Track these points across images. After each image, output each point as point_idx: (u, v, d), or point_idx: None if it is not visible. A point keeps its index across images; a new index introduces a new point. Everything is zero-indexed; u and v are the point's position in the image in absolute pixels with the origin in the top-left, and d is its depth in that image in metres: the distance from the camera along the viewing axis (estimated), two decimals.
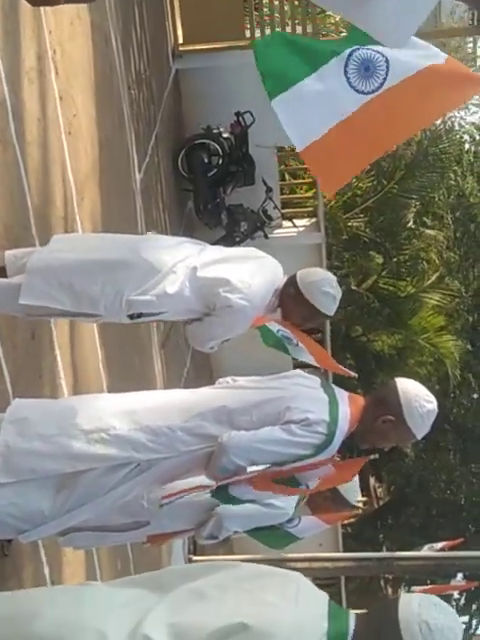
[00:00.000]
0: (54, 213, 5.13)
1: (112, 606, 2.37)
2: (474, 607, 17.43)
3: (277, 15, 10.92)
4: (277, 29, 10.73)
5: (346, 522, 15.46)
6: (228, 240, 10.45)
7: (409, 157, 14.17)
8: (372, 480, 17.72)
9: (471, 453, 16.34)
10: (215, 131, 10.63)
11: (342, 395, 3.50)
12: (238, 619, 2.26)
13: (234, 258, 3.98)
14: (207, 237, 4.43)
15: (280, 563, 7.01)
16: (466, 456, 16.36)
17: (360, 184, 13.81)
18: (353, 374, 4.06)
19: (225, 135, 10.68)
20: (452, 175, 16.09)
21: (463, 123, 21.73)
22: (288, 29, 10.77)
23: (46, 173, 5.06)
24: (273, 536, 4.01)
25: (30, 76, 4.87)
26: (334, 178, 4.98)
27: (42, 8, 5.10)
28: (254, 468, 3.31)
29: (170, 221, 9.68)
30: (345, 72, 4.64)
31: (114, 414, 3.30)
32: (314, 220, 12.29)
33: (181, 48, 10.72)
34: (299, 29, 10.76)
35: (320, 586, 2.57)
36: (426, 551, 7.77)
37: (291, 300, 3.94)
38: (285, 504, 3.90)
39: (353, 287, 13.79)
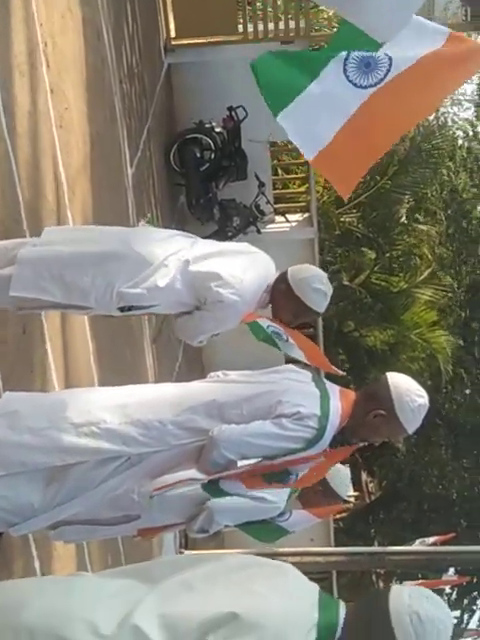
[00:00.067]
0: (45, 207, 5.11)
1: (101, 597, 2.37)
2: (465, 602, 17.48)
3: (270, 10, 10.90)
4: (270, 24, 10.71)
5: (338, 517, 15.50)
6: (220, 235, 10.44)
7: (402, 153, 14.19)
8: (364, 475, 17.75)
9: (463, 448, 16.38)
10: (207, 126, 10.62)
11: (333, 389, 3.50)
12: (228, 609, 2.26)
13: (226, 252, 3.98)
14: (199, 232, 4.42)
15: (272, 557, 7.00)
16: (458, 451, 16.40)
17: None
18: (341, 372, 4.06)
19: (217, 130, 10.67)
20: (445, 171, 16.12)
21: (456, 119, 21.76)
22: (281, 24, 10.76)
23: (37, 167, 5.04)
24: (264, 530, 4.01)
25: (21, 69, 4.85)
26: (347, 180, 4.98)
27: (33, 1, 5.09)
28: (245, 462, 3.31)
29: (162, 216, 9.66)
30: (344, 70, 4.64)
31: (105, 408, 3.29)
32: (307, 215, 12.29)
33: (173, 42, 10.70)
34: (292, 24, 10.74)
35: (311, 580, 2.56)
36: (418, 546, 7.77)
37: (282, 296, 3.94)
38: (276, 498, 3.89)
39: (345, 282, 13.81)
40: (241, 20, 10.84)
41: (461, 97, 22.95)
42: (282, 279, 3.95)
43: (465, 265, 16.43)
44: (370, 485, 18.08)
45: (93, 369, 6.01)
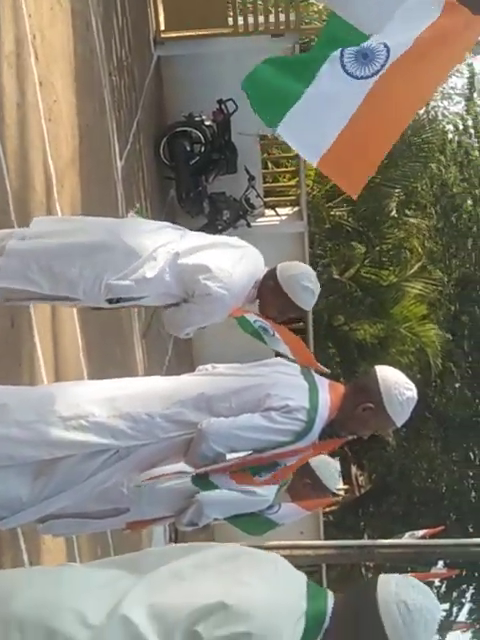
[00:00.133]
0: (34, 199, 5.09)
1: (90, 587, 2.37)
2: (455, 595, 17.55)
3: (260, 3, 10.88)
4: (260, 17, 10.70)
5: (328, 510, 15.52)
6: (210, 228, 10.44)
7: (392, 146, 14.16)
8: (354, 468, 17.78)
9: (452, 442, 16.44)
10: (197, 119, 10.60)
11: (322, 382, 3.51)
12: (217, 599, 2.27)
13: (216, 245, 3.98)
14: (189, 225, 4.41)
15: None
16: (447, 445, 16.46)
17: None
18: (326, 370, 4.06)
19: (207, 123, 10.66)
20: (434, 165, 16.14)
21: (446, 113, 21.76)
22: (271, 17, 10.74)
23: (25, 159, 5.02)
24: (253, 523, 4.01)
25: (9, 61, 4.82)
26: (356, 178, 4.95)
27: None
28: (234, 455, 3.31)
29: (152, 209, 9.64)
30: (342, 65, 4.62)
31: (93, 401, 3.29)
32: (297, 209, 12.30)
33: (163, 35, 10.68)
34: (282, 17, 10.73)
35: None
36: (407, 539, 7.81)
37: (269, 292, 3.94)
38: (265, 491, 3.88)
39: (335, 276, 13.82)
40: (231, 13, 10.82)
41: (451, 91, 22.96)
42: (271, 275, 3.96)
43: (455, 259, 16.46)
44: (360, 478, 18.11)
45: (82, 363, 6.00)
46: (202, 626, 2.23)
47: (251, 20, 10.74)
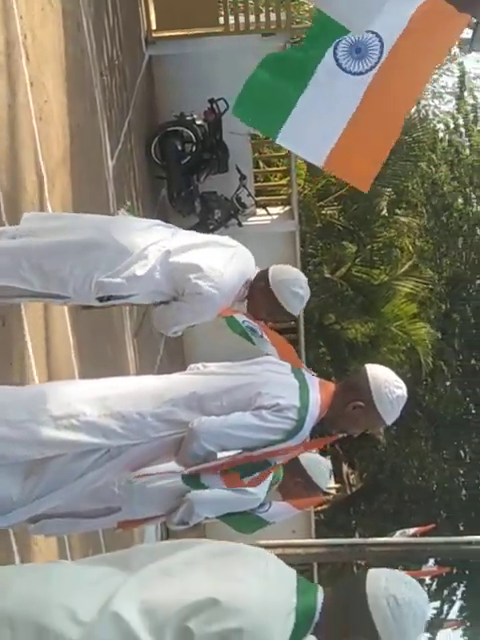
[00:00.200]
0: (25, 199, 5.10)
1: (81, 583, 2.37)
2: (445, 592, 17.58)
3: (251, 2, 10.89)
4: (251, 16, 10.70)
5: (319, 508, 15.55)
6: (202, 228, 10.44)
7: None
8: (345, 467, 17.81)
9: (443, 440, 16.46)
10: (188, 118, 10.60)
11: (313, 381, 3.52)
12: (208, 595, 2.28)
13: (207, 244, 3.99)
14: (180, 225, 4.40)
15: None
16: (438, 443, 16.48)
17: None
18: (312, 372, 4.08)
19: (199, 122, 10.65)
20: (424, 165, 16.16)
21: (437, 112, 21.81)
22: (262, 16, 10.76)
23: (16, 159, 5.02)
24: (244, 521, 4.03)
25: (0, 61, 4.83)
26: (365, 173, 4.96)
27: None
28: (225, 453, 3.32)
29: (143, 208, 9.64)
30: (338, 63, 4.63)
31: (84, 400, 3.29)
32: (288, 208, 12.31)
33: (154, 34, 10.67)
34: (273, 16, 10.74)
35: None
36: (398, 537, 7.84)
37: (259, 294, 3.96)
38: (256, 490, 3.91)
39: (327, 275, 13.84)
40: (222, 12, 10.82)
41: (442, 90, 23.01)
42: (262, 277, 3.98)
43: (446, 257, 16.49)
44: (351, 477, 18.15)
45: (73, 362, 6.00)
46: (193, 622, 2.24)
47: (242, 19, 10.74)
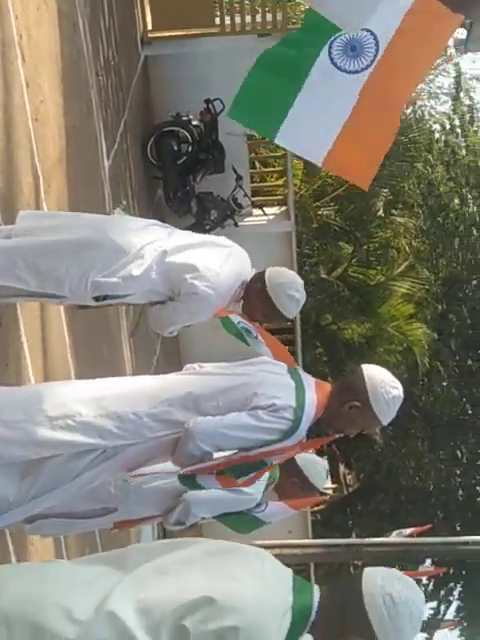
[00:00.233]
0: (21, 199, 5.09)
1: (76, 583, 2.38)
2: (442, 593, 17.59)
3: (247, 2, 10.89)
4: (247, 16, 10.70)
5: (316, 509, 15.56)
6: (198, 228, 10.43)
7: None
8: (342, 467, 17.82)
9: (439, 440, 16.48)
10: (185, 118, 10.60)
11: (309, 381, 3.52)
12: (204, 593, 2.28)
13: (203, 244, 3.98)
14: (177, 225, 4.40)
15: None
16: (434, 443, 16.50)
17: (330, 173, 13.84)
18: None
19: (195, 122, 10.66)
20: (421, 165, 16.18)
21: (433, 112, 21.83)
22: (258, 17, 10.76)
23: (12, 159, 5.02)
24: (241, 521, 4.03)
25: None
26: (364, 171, 4.96)
27: None
28: (221, 454, 3.32)
29: (139, 209, 9.64)
30: (333, 63, 4.62)
31: (80, 400, 3.29)
32: (284, 208, 12.32)
33: (150, 35, 10.67)
34: (269, 17, 10.74)
35: None
36: (395, 537, 7.85)
37: (255, 296, 3.96)
38: (253, 490, 3.91)
39: (323, 275, 13.85)
40: (218, 12, 10.83)
41: (438, 90, 23.04)
42: (259, 279, 3.97)
43: (442, 258, 16.51)
44: (348, 477, 18.15)
45: (70, 363, 6.00)
46: (189, 621, 2.24)
47: (238, 20, 10.74)
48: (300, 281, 4.01)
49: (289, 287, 3.93)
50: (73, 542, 5.66)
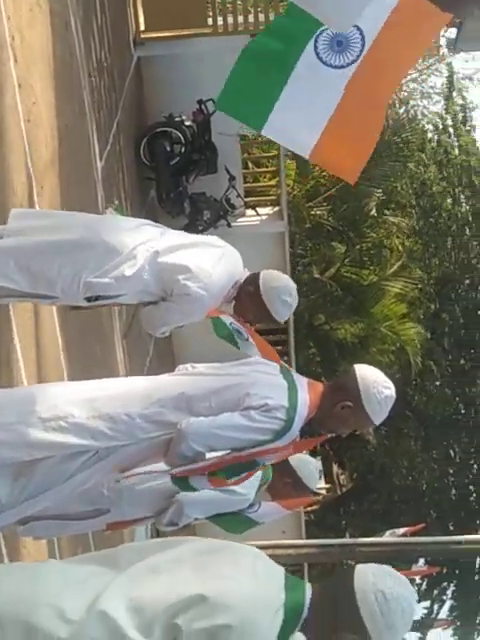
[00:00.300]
0: (13, 201, 5.09)
1: (69, 582, 2.38)
2: (435, 592, 17.60)
3: (240, 2, 10.90)
4: (240, 17, 10.71)
5: (309, 509, 15.56)
6: (191, 229, 10.43)
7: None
8: (335, 467, 17.83)
9: (432, 440, 16.50)
10: (177, 119, 10.61)
11: (301, 381, 3.53)
12: (196, 591, 2.29)
13: (196, 244, 3.98)
14: (170, 226, 4.40)
15: None
16: (428, 443, 16.52)
17: (323, 173, 13.86)
18: None
19: (187, 123, 10.66)
20: (413, 165, 16.19)
21: (426, 112, 21.87)
22: (250, 17, 10.76)
23: (5, 161, 5.01)
24: (234, 521, 4.04)
25: None
26: (351, 165, 4.97)
27: None
28: (213, 454, 3.33)
29: (132, 210, 9.64)
30: (318, 57, 4.63)
31: (73, 402, 3.29)
32: (277, 208, 12.33)
33: (143, 35, 10.67)
34: (261, 17, 10.75)
35: None
36: (388, 537, 7.86)
37: (248, 298, 3.97)
38: (246, 490, 3.92)
39: (316, 275, 13.85)
40: (210, 13, 10.84)
41: (431, 90, 23.07)
42: (252, 281, 3.97)
43: (435, 257, 16.54)
44: (341, 477, 18.17)
45: (62, 364, 6.00)
46: (182, 619, 2.25)
47: (231, 20, 10.75)
48: (293, 285, 4.03)
49: (283, 292, 3.95)
50: (66, 543, 5.66)
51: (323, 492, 16.87)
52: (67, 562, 2.67)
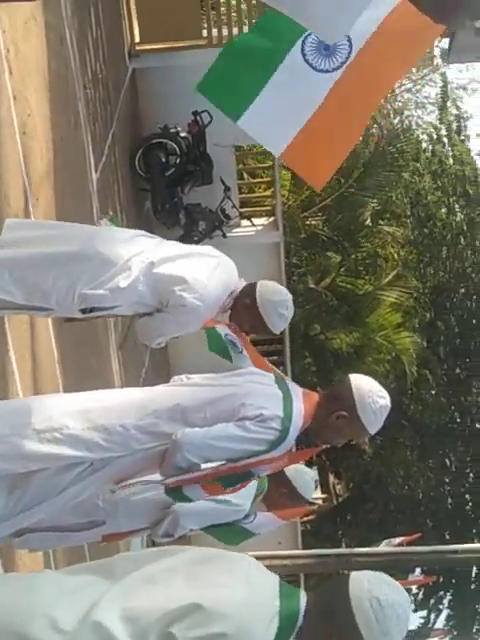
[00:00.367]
0: (9, 213, 5.09)
1: (63, 592, 2.38)
2: (432, 601, 17.57)
3: (234, 14, 10.94)
4: (234, 29, 10.75)
5: (305, 519, 15.54)
6: (186, 239, 10.44)
7: (366, 156, 14.29)
8: (331, 477, 17.82)
9: (428, 449, 16.50)
10: (172, 130, 10.63)
11: (296, 391, 3.53)
12: (191, 600, 2.29)
13: (191, 255, 3.98)
14: (165, 237, 4.41)
15: None
16: (423, 452, 16.52)
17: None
18: None
19: (182, 134, 10.69)
20: (408, 175, 16.24)
21: (420, 122, 21.97)
22: (245, 28, 10.79)
23: (0, 173, 5.03)
24: (230, 532, 4.03)
25: None
26: (320, 171, 4.98)
27: None
28: (208, 465, 3.33)
29: (128, 221, 9.65)
30: (305, 61, 4.65)
31: (68, 413, 3.29)
32: (272, 219, 12.36)
33: (138, 47, 10.70)
34: None
35: None
36: (384, 547, 7.85)
37: (245, 310, 3.98)
38: (241, 501, 3.92)
39: (311, 285, 13.87)
40: (205, 25, 10.86)
41: (425, 100, 23.18)
42: (249, 294, 3.98)
43: (430, 267, 16.57)
44: (337, 487, 18.16)
45: (58, 376, 6.00)
46: (176, 628, 2.25)
47: (225, 32, 10.78)
48: (290, 298, 4.04)
49: (280, 306, 3.96)
50: (62, 555, 5.65)
51: (319, 502, 16.85)
52: (63, 572, 2.67)
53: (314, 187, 5.16)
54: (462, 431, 16.67)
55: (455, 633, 16.98)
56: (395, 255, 15.34)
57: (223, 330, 3.92)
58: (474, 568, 15.74)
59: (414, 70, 20.70)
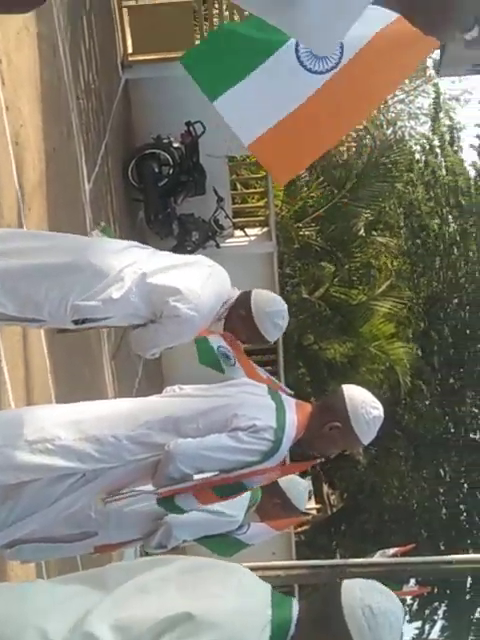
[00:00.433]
0: (1, 223, 5.08)
1: (55, 603, 2.36)
2: (427, 612, 17.55)
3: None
4: None
5: (299, 529, 15.52)
6: (180, 250, 10.45)
7: (360, 167, 14.33)
8: (325, 487, 17.80)
9: (423, 459, 16.50)
10: (165, 141, 10.64)
11: (289, 402, 3.53)
12: (182, 610, 2.28)
13: (184, 265, 3.97)
14: (158, 247, 4.40)
15: None
16: (418, 462, 16.52)
17: (311, 193, 13.93)
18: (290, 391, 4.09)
19: (176, 145, 10.70)
20: (401, 186, 16.30)
21: (413, 133, 22.05)
22: None
23: None
24: (223, 543, 4.02)
25: None
26: (287, 168, 4.98)
27: None
28: (201, 475, 3.32)
29: (121, 232, 9.65)
30: (297, 57, 4.65)
31: (60, 424, 3.28)
32: (266, 229, 12.36)
33: (130, 58, 10.72)
34: None
35: None
36: (378, 557, 7.83)
37: (240, 320, 3.96)
38: (234, 512, 3.91)
39: (305, 295, 13.88)
40: (198, 35, 10.89)
41: (418, 111, 23.26)
42: (244, 304, 3.95)
43: (423, 277, 16.62)
44: (331, 497, 18.14)
45: (50, 387, 5.98)
46: (168, 637, 2.24)
47: None
48: (285, 308, 4.03)
49: (276, 316, 3.95)
50: (54, 568, 5.63)
51: (313, 512, 16.83)
52: (55, 582, 2.66)
53: (277, 182, 5.18)
54: (456, 441, 16.68)
55: None
56: (388, 265, 15.37)
57: (216, 342, 3.91)
58: (469, 579, 15.72)
59: (407, 81, 20.81)
